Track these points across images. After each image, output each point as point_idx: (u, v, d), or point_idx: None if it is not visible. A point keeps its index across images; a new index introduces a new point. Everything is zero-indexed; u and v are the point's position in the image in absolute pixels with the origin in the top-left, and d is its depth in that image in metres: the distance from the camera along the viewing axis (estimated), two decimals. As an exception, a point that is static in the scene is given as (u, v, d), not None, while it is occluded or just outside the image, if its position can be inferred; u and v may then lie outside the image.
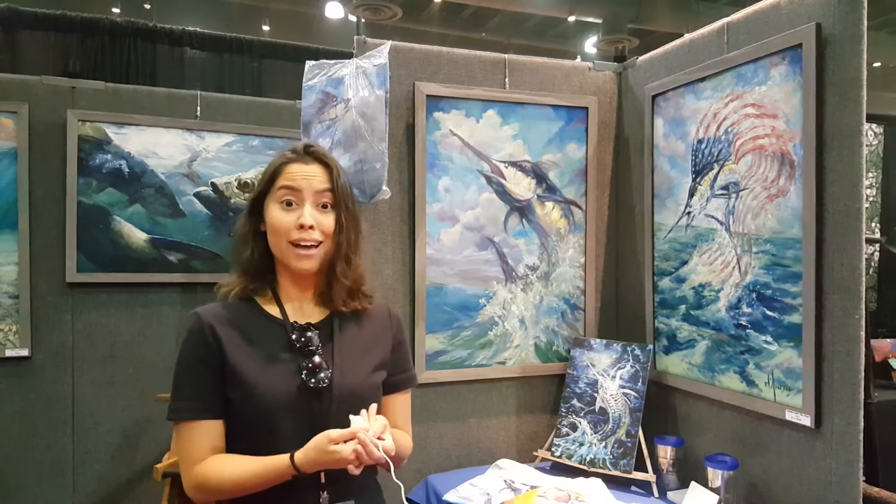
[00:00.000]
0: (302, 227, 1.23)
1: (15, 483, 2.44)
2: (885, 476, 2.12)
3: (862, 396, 1.36)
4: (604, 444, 1.86)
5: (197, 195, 2.67)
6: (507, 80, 2.04)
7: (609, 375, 1.93)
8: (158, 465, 2.05)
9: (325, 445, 1.11)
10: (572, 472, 1.84)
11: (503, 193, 2.04)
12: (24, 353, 2.43)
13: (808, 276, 1.46)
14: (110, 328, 2.56)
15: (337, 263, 1.28)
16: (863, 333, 1.37)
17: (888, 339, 3.28)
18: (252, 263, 1.29)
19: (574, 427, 1.93)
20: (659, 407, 1.95)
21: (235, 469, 1.17)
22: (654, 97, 1.96)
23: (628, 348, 1.93)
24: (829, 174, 1.43)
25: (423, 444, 1.95)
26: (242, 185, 2.71)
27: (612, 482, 1.77)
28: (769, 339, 1.58)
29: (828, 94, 1.43)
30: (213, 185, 2.68)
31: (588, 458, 1.86)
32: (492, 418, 2.06)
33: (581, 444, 1.89)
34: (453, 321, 1.99)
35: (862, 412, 1.36)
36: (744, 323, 1.66)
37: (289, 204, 1.24)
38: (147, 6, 8.72)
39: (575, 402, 1.96)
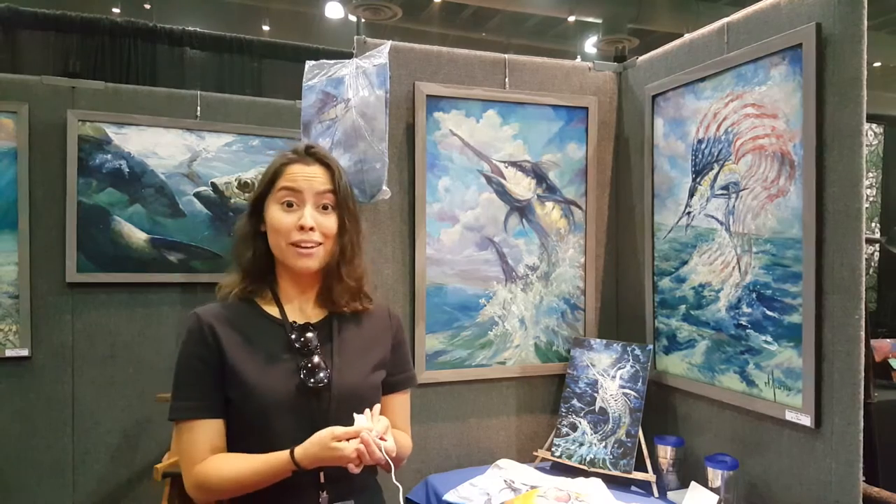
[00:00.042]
0: (302, 228, 1.23)
1: (15, 483, 2.44)
2: (885, 476, 2.12)
3: (862, 396, 1.36)
4: (604, 444, 1.86)
5: (197, 195, 2.67)
6: (507, 80, 2.04)
7: (609, 375, 1.93)
8: (158, 465, 2.05)
9: (328, 442, 1.11)
10: (572, 472, 1.84)
11: (503, 193, 2.04)
12: (24, 353, 2.43)
13: (808, 276, 1.46)
14: (110, 328, 2.56)
15: (341, 264, 1.29)
16: (863, 333, 1.37)
17: (888, 339, 3.28)
18: (252, 264, 1.29)
19: (574, 427, 1.93)
20: (659, 407, 1.95)
21: (235, 467, 1.17)
22: (654, 97, 1.96)
23: (628, 348, 1.93)
24: (829, 174, 1.43)
25: (423, 444, 1.95)
26: (242, 185, 2.71)
27: (612, 482, 1.77)
28: (769, 339, 1.58)
29: (828, 94, 1.43)
30: (213, 185, 2.68)
31: (588, 458, 1.86)
32: (492, 418, 2.06)
33: (581, 444, 1.89)
34: (453, 321, 1.99)
35: (862, 412, 1.36)
36: (744, 323, 1.66)
37: (289, 205, 1.24)
38: (147, 6, 8.73)
39: (575, 402, 1.96)
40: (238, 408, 1.20)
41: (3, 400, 2.43)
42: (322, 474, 1.19)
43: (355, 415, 1.15)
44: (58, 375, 2.49)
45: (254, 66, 3.50)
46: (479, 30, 10.01)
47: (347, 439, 1.11)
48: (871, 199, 3.83)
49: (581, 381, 1.98)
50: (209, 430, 1.20)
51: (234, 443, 1.21)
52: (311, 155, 1.29)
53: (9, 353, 2.42)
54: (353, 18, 8.62)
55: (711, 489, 1.60)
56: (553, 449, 1.94)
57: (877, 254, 3.86)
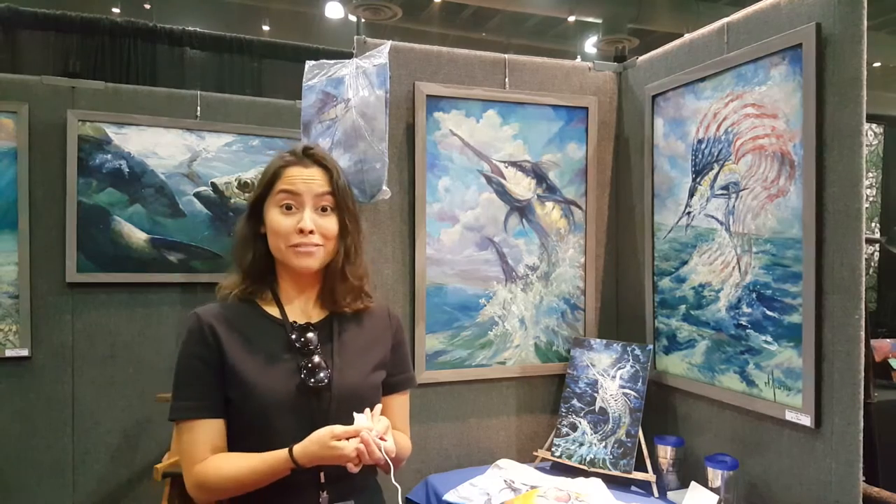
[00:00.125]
0: (301, 231, 1.23)
1: (15, 483, 2.44)
2: (885, 476, 2.12)
3: (862, 396, 1.36)
4: (604, 444, 1.86)
5: (197, 195, 2.67)
6: (507, 80, 2.04)
7: (609, 375, 1.93)
8: (158, 465, 2.05)
9: (328, 441, 1.11)
10: (572, 472, 1.84)
11: (503, 193, 2.04)
12: (24, 353, 2.43)
13: (808, 276, 1.46)
14: (110, 328, 2.56)
15: (344, 265, 1.29)
16: (863, 333, 1.37)
17: (888, 339, 3.28)
18: (252, 266, 1.29)
19: (574, 427, 1.93)
20: (659, 407, 1.95)
21: (235, 466, 1.17)
22: (654, 97, 1.96)
23: (628, 348, 1.93)
24: (829, 174, 1.43)
25: (423, 444, 1.95)
26: (242, 185, 2.71)
27: (612, 482, 1.77)
28: (769, 339, 1.58)
29: (828, 94, 1.43)
30: (213, 185, 2.68)
31: (588, 458, 1.86)
32: (492, 418, 2.06)
33: (581, 444, 1.89)
34: (453, 321, 1.99)
35: (862, 412, 1.36)
36: (744, 323, 1.66)
37: (288, 208, 1.24)
38: (147, 6, 8.73)
39: (575, 402, 1.96)
40: (238, 408, 1.20)
41: (3, 400, 2.43)
42: (322, 474, 1.19)
43: (355, 414, 1.15)
44: (58, 375, 2.49)
45: (254, 66, 3.50)
46: (479, 30, 10.01)
47: (347, 438, 1.11)
48: (871, 199, 3.83)
49: (581, 381, 1.98)
50: (209, 430, 1.20)
51: (235, 443, 1.21)
52: (308, 156, 1.29)
53: (9, 353, 2.42)
54: (353, 18, 8.62)
55: (711, 489, 1.60)
56: (553, 449, 1.94)
57: (877, 254, 3.86)
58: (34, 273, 2.45)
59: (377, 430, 1.13)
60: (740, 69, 1.65)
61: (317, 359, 1.23)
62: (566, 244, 2.11)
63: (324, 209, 1.26)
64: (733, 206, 1.69)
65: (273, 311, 1.29)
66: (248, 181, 2.71)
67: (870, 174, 3.83)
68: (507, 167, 2.04)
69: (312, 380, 1.21)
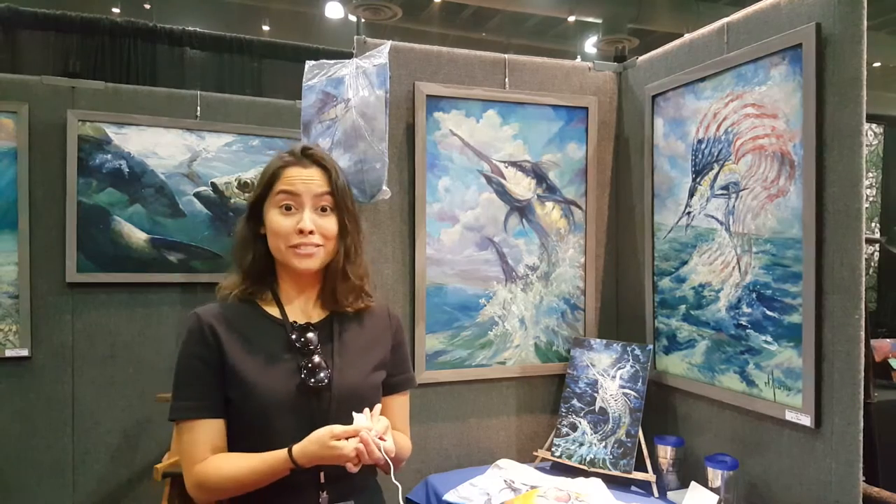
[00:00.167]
0: (301, 231, 1.23)
1: (15, 483, 2.44)
2: (885, 476, 2.12)
3: (862, 396, 1.36)
4: (604, 444, 1.86)
5: (197, 195, 2.67)
6: (507, 80, 2.04)
7: (609, 375, 1.93)
8: (158, 465, 2.05)
9: (327, 440, 1.11)
10: (572, 472, 1.84)
11: (503, 193, 2.04)
12: (24, 353, 2.43)
13: (808, 276, 1.46)
14: (110, 328, 2.56)
15: (345, 265, 1.29)
16: (863, 333, 1.37)
17: (888, 339, 3.27)
18: (253, 267, 1.29)
19: (574, 427, 1.93)
20: (659, 407, 1.95)
21: (235, 466, 1.17)
22: (654, 97, 1.96)
23: (628, 348, 1.93)
24: (829, 174, 1.43)
25: (423, 444, 1.95)
26: (242, 185, 2.71)
27: (612, 482, 1.77)
28: (769, 339, 1.58)
29: (828, 94, 1.43)
30: (213, 185, 2.68)
31: (588, 458, 1.86)
32: (492, 418, 2.06)
33: (581, 444, 1.89)
34: (453, 321, 1.99)
35: (862, 412, 1.36)
36: (744, 323, 1.66)
37: (288, 208, 1.24)
38: (147, 6, 8.73)
39: (575, 402, 1.96)
40: (238, 408, 1.20)
41: (3, 400, 2.43)
42: (322, 474, 1.19)
43: (354, 414, 1.15)
44: (58, 375, 2.49)
45: (254, 66, 3.50)
46: (479, 30, 10.01)
47: (346, 438, 1.11)
48: (871, 199, 3.83)
49: (581, 381, 1.98)
50: (209, 430, 1.20)
51: (235, 443, 1.21)
52: (307, 157, 1.29)
53: (9, 353, 2.42)
54: (353, 18, 8.62)
55: (711, 489, 1.60)
56: (553, 449, 1.94)
57: (877, 254, 3.86)
58: (34, 273, 2.45)
59: (376, 430, 1.13)
60: (740, 69, 1.65)
61: (317, 359, 1.23)
62: (566, 244, 2.11)
63: (323, 209, 1.26)
64: (733, 206, 1.69)
65: (273, 311, 1.29)
66: (248, 181, 2.71)
67: (870, 174, 3.83)
68: (507, 167, 2.04)
69: (312, 380, 1.20)
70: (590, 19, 8.91)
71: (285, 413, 1.19)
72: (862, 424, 1.36)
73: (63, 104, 2.48)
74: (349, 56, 1.84)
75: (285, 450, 1.14)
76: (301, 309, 1.31)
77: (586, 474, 1.81)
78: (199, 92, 2.69)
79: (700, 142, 1.79)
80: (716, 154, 1.74)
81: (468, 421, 2.03)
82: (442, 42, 8.45)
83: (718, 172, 1.73)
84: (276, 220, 1.24)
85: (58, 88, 2.49)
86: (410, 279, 1.95)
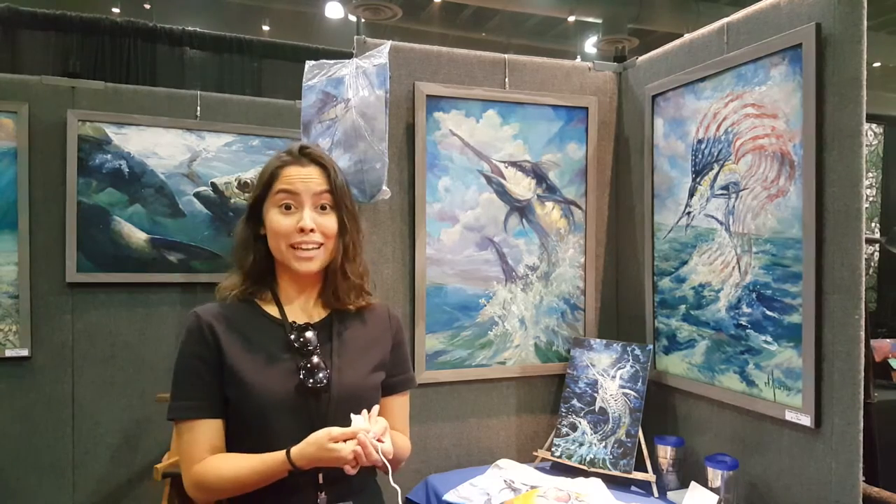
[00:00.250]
0: (302, 230, 1.23)
1: (15, 483, 2.44)
2: (885, 476, 2.12)
3: (862, 396, 1.36)
4: (604, 444, 1.86)
5: (197, 195, 2.67)
6: (507, 80, 2.04)
7: (609, 375, 1.93)
8: (158, 465, 2.05)
9: (325, 443, 1.11)
10: (572, 472, 1.84)
11: (503, 193, 2.04)
12: (24, 353, 2.43)
13: (808, 276, 1.46)
14: (110, 328, 2.56)
15: (345, 263, 1.29)
16: (863, 333, 1.37)
17: (888, 339, 3.28)
18: (253, 267, 1.29)
19: (574, 427, 1.93)
20: (659, 407, 1.95)
21: (233, 467, 1.17)
22: (654, 97, 1.96)
23: (628, 348, 1.93)
24: (829, 174, 1.43)
25: (422, 444, 1.95)
26: (242, 185, 2.71)
27: (612, 482, 1.77)
28: (769, 339, 1.58)
29: (828, 94, 1.42)
30: (213, 185, 2.68)
31: (588, 458, 1.86)
32: (492, 418, 2.06)
33: (581, 444, 1.89)
34: (453, 321, 1.99)
35: (862, 412, 1.36)
36: (744, 323, 1.66)
37: (287, 207, 1.24)
38: (147, 6, 8.72)
39: (575, 402, 1.96)
40: (236, 408, 1.20)
41: (3, 400, 2.43)
42: (320, 475, 1.19)
43: (353, 416, 1.15)
44: (58, 375, 2.49)
45: (254, 66, 3.50)
46: (479, 30, 10.00)
47: (344, 440, 1.11)
48: (871, 199, 3.83)
49: (581, 381, 1.98)
50: (208, 430, 1.20)
51: (234, 443, 1.21)
52: (306, 155, 1.29)
53: (9, 353, 2.41)
54: (353, 18, 8.61)
55: (711, 489, 1.60)
56: (553, 449, 1.94)
57: (877, 254, 3.86)
58: (34, 273, 2.45)
59: (375, 432, 1.12)
60: (740, 69, 1.65)
61: (316, 359, 1.23)
62: (566, 244, 2.11)
63: (323, 207, 1.26)
64: (733, 206, 1.69)
65: (273, 310, 1.29)
66: (248, 181, 2.71)
67: (870, 174, 3.83)
68: (507, 167, 2.04)
69: (311, 380, 1.20)
70: (590, 19, 8.91)
71: (284, 413, 1.19)
72: (862, 424, 1.36)
73: (63, 104, 2.48)
74: (349, 56, 1.83)
75: (283, 451, 1.13)
76: (301, 308, 1.31)
77: (586, 474, 1.81)
78: (198, 92, 2.69)
79: (700, 142, 1.79)
80: (716, 154, 1.74)
81: (468, 421, 2.03)
82: (442, 42, 8.44)
83: (718, 172, 1.73)
84: (276, 219, 1.24)
85: (58, 88, 2.49)
86: (410, 279, 1.95)
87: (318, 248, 1.25)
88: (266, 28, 9.72)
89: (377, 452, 1.11)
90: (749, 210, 1.64)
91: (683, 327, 1.86)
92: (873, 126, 3.85)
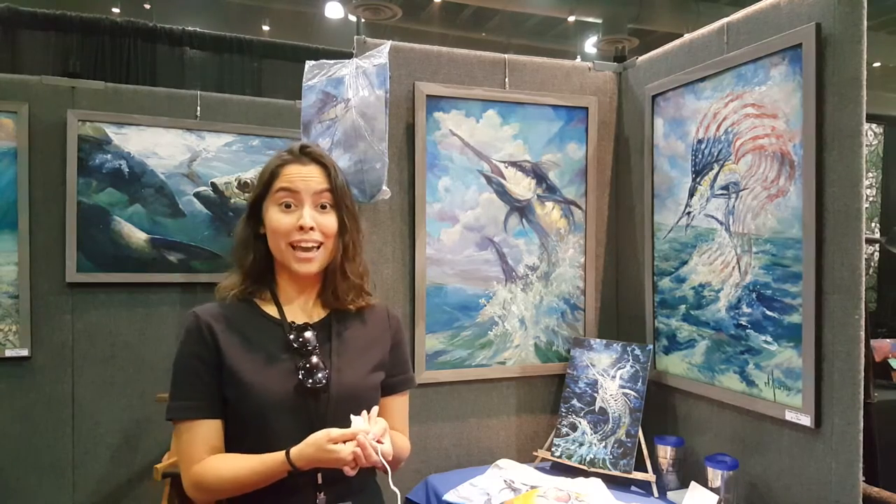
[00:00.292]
0: (302, 228, 1.22)
1: (15, 483, 2.44)
2: (885, 476, 2.12)
3: (862, 396, 1.36)
4: (604, 444, 1.86)
5: (197, 195, 2.67)
6: (507, 80, 2.04)
7: (609, 375, 1.93)
8: (158, 465, 2.05)
9: (324, 444, 1.10)
10: (572, 472, 1.84)
11: (503, 193, 2.04)
12: (24, 353, 2.43)
13: (808, 276, 1.46)
14: (110, 328, 2.56)
15: (345, 263, 1.29)
16: (863, 333, 1.37)
17: (888, 339, 3.28)
18: (253, 267, 1.29)
19: (574, 427, 1.93)
20: (659, 407, 1.95)
21: (232, 467, 1.17)
22: (654, 97, 1.96)
23: (628, 348, 1.93)
24: (829, 174, 1.43)
25: (422, 444, 1.95)
26: (242, 185, 2.71)
27: (611, 482, 1.77)
28: (769, 339, 1.58)
29: (828, 94, 1.42)
30: (213, 185, 2.68)
31: (588, 458, 1.86)
32: (492, 418, 2.06)
33: (581, 444, 1.89)
34: (453, 321, 1.99)
35: (862, 412, 1.36)
36: (744, 323, 1.66)
37: (287, 206, 1.24)
38: (147, 6, 8.72)
39: (575, 402, 1.96)
40: (236, 408, 1.20)
41: (3, 400, 2.43)
42: (320, 476, 1.19)
43: (352, 416, 1.14)
44: (58, 375, 2.49)
45: (254, 66, 3.50)
46: (479, 30, 10.00)
47: (344, 441, 1.10)
48: (871, 199, 3.83)
49: (581, 381, 1.98)
50: (207, 431, 1.20)
51: (233, 443, 1.21)
52: (306, 154, 1.29)
53: (9, 353, 2.41)
54: (353, 18, 8.62)
55: (711, 489, 1.60)
56: (553, 449, 1.94)
57: (877, 254, 3.86)
58: (34, 273, 2.45)
59: (374, 433, 1.12)
60: (740, 69, 1.65)
61: (315, 359, 1.23)
62: (566, 244, 2.11)
63: (323, 206, 1.26)
64: (733, 206, 1.69)
65: (271, 310, 1.29)
66: (248, 181, 2.71)
67: (870, 174, 3.83)
68: (507, 167, 2.04)
69: (310, 380, 1.20)
70: (590, 19, 8.91)
71: (283, 414, 1.19)
72: (862, 424, 1.36)
73: (63, 104, 2.48)
74: (349, 56, 1.83)
75: (283, 452, 1.13)
76: (301, 308, 1.31)
77: (586, 474, 1.81)
78: (198, 92, 2.69)
79: (700, 142, 1.79)
80: (716, 154, 1.74)
81: (468, 421, 2.03)
82: (442, 42, 8.44)
83: (718, 172, 1.73)
84: (275, 217, 1.24)
85: (58, 88, 2.49)
86: (410, 279, 1.95)
87: (318, 247, 1.25)
88: (266, 28, 9.72)
89: (376, 454, 1.11)
90: (749, 210, 1.64)
91: (683, 327, 1.86)
92: (873, 126, 3.85)
